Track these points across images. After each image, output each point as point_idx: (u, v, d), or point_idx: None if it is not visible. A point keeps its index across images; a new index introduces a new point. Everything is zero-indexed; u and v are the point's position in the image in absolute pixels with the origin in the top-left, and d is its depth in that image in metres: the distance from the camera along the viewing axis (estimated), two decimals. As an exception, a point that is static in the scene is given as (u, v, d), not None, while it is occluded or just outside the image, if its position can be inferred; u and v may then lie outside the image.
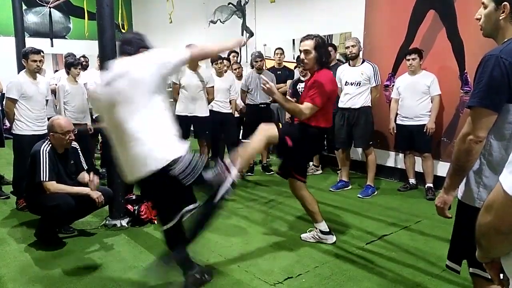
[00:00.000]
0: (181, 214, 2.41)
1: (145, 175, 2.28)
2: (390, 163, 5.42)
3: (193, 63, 4.53)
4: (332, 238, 3.39)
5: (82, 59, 6.53)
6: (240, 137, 6.07)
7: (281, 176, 3.57)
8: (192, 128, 5.35)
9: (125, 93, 2.26)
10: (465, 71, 4.60)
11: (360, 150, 5.42)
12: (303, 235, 3.49)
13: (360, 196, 4.68)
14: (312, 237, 3.43)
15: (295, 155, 3.21)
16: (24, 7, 7.87)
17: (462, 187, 1.78)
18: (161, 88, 2.35)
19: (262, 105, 5.76)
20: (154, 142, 2.27)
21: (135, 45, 2.45)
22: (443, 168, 4.76)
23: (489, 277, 1.71)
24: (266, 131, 3.13)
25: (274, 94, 3.13)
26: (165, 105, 2.37)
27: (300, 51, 3.25)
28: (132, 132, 2.26)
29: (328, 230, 3.40)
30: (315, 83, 3.14)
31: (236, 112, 5.86)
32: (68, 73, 5.21)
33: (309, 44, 3.16)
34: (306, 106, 3.11)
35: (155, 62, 2.31)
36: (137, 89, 2.26)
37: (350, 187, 5.01)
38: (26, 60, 4.24)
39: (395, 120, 4.80)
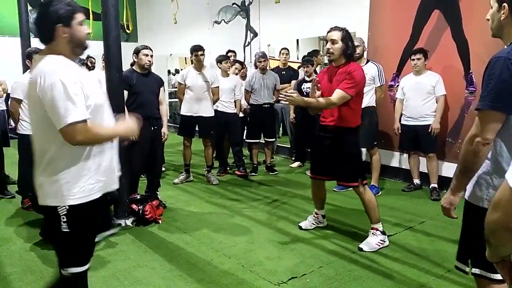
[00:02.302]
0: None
1: None
2: (394, 163, 5.40)
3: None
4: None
5: (88, 60, 6.57)
6: (244, 137, 6.08)
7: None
8: (196, 128, 5.37)
9: None
10: (470, 71, 4.58)
11: (364, 150, 5.40)
12: (302, 223, 3.72)
13: (364, 196, 4.66)
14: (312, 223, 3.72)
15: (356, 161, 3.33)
16: (29, 7, 7.91)
17: (470, 187, 1.77)
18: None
19: (266, 105, 5.76)
20: None
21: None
22: (447, 169, 4.74)
23: (492, 278, 1.71)
24: None
25: (298, 102, 3.18)
26: None
27: (326, 41, 3.22)
28: None
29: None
30: (348, 74, 3.12)
31: (240, 112, 5.87)
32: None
33: (336, 35, 3.14)
34: (338, 96, 3.09)
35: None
36: None
37: (354, 187, 5.00)
38: (30, 60, 4.27)
39: (400, 120, 4.79)
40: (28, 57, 4.29)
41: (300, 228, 3.68)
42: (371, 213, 3.30)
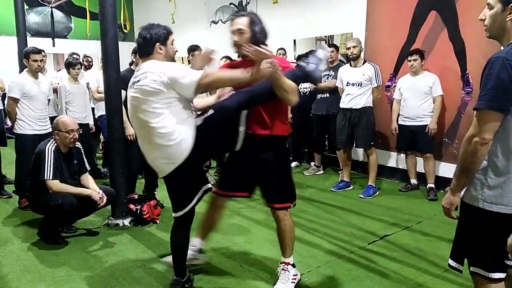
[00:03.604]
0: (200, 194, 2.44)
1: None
2: (391, 163, 5.42)
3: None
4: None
5: (85, 59, 6.55)
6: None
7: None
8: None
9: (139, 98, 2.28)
10: (467, 72, 4.61)
11: (361, 150, 5.43)
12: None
13: (361, 196, 4.69)
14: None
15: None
16: (26, 6, 7.89)
17: (465, 187, 1.79)
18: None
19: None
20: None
21: (151, 42, 2.38)
22: (444, 169, 4.77)
23: (490, 276, 1.73)
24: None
25: (262, 56, 2.21)
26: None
27: (233, 32, 2.51)
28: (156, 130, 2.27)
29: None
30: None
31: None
32: (69, 73, 5.23)
33: (242, 22, 2.47)
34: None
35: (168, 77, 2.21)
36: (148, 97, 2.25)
37: (351, 187, 5.02)
38: (27, 60, 4.25)
39: (397, 121, 4.81)
40: (26, 57, 4.27)
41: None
42: (289, 243, 2.69)
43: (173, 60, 2.44)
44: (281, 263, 2.72)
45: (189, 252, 2.76)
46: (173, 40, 2.45)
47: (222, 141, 2.43)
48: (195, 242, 2.85)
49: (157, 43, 2.36)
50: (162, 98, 2.23)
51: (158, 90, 2.21)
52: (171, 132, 2.25)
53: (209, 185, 2.54)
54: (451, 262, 1.88)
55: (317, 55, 2.42)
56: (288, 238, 2.68)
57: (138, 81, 2.28)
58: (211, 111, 2.35)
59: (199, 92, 2.30)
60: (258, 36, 2.46)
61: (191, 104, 2.39)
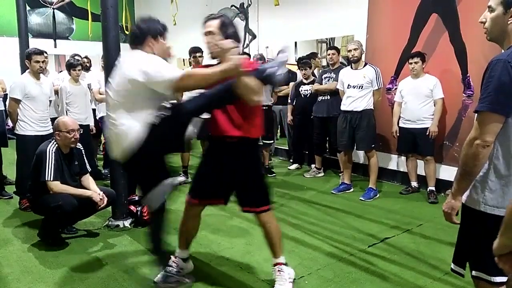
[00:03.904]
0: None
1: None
2: (392, 166, 5.42)
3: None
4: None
5: (85, 60, 6.53)
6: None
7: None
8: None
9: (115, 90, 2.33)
10: (468, 74, 4.61)
11: (362, 152, 5.43)
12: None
13: (362, 198, 4.69)
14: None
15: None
16: (27, 8, 7.91)
17: (467, 190, 1.78)
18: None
19: (264, 107, 5.73)
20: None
21: (142, 34, 2.39)
22: (445, 172, 4.76)
23: (492, 280, 1.72)
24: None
25: (223, 51, 2.21)
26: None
27: (204, 34, 2.51)
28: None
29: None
30: None
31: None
32: (69, 74, 5.24)
33: (213, 25, 2.47)
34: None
35: (142, 70, 2.22)
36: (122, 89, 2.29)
37: (352, 189, 5.02)
38: (29, 61, 4.26)
39: (398, 123, 4.82)
40: (28, 58, 4.28)
41: (155, 283, 2.72)
42: (278, 243, 2.68)
43: (164, 59, 2.39)
44: (274, 265, 2.70)
45: (176, 263, 2.77)
46: (167, 39, 2.46)
47: (168, 141, 2.38)
48: (180, 253, 2.82)
49: (149, 36, 2.38)
50: (130, 87, 2.24)
51: (130, 78, 2.23)
52: (121, 121, 2.27)
53: (178, 180, 2.50)
54: (453, 266, 1.88)
55: (278, 58, 2.37)
56: (276, 238, 2.67)
57: (118, 67, 2.35)
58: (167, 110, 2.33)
59: (176, 91, 2.31)
60: (229, 39, 2.41)
61: (163, 100, 2.34)
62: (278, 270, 2.68)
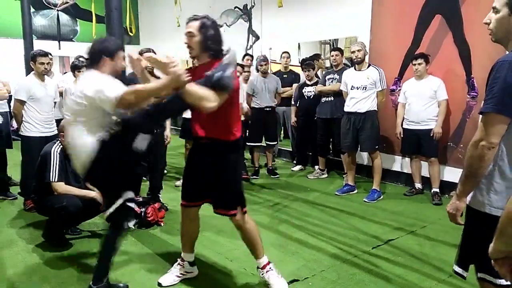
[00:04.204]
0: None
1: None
2: (396, 167, 5.41)
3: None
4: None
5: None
6: (246, 140, 6.08)
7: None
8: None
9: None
10: (472, 76, 4.60)
11: (366, 154, 5.42)
12: (164, 279, 2.81)
13: (366, 200, 4.68)
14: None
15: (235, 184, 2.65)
16: (32, 9, 7.95)
17: (471, 192, 1.77)
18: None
19: (268, 109, 5.77)
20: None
21: (97, 54, 2.52)
22: (449, 173, 4.75)
23: (497, 283, 1.72)
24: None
25: (159, 65, 2.31)
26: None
27: (185, 34, 2.53)
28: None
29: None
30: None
31: (241, 115, 5.87)
32: (74, 76, 5.25)
33: (193, 26, 2.48)
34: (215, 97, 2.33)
35: (94, 90, 2.35)
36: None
37: (356, 191, 5.01)
38: (34, 62, 4.29)
39: (402, 125, 4.81)
40: (32, 59, 4.30)
41: (160, 285, 2.78)
42: (258, 243, 2.71)
43: (119, 74, 2.56)
44: (261, 268, 2.71)
45: (181, 267, 2.82)
46: (124, 56, 2.59)
47: (118, 157, 2.44)
48: (185, 257, 2.84)
49: (104, 56, 2.50)
50: (83, 106, 2.39)
51: (82, 97, 2.39)
52: (77, 138, 2.44)
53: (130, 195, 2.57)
54: (456, 268, 1.87)
55: (223, 61, 2.37)
56: (254, 240, 2.70)
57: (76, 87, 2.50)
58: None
59: (123, 108, 2.37)
60: (209, 41, 2.46)
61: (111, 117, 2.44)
62: (267, 271, 2.70)
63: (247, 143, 6.03)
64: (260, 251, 2.72)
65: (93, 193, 3.39)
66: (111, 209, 2.50)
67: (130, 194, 2.55)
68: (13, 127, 5.54)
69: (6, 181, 4.85)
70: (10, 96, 5.04)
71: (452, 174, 4.67)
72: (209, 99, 2.30)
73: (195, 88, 2.29)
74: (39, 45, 5.80)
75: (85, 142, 2.39)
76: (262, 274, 2.72)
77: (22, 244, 3.47)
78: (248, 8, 7.82)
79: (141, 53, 4.16)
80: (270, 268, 2.72)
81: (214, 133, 2.51)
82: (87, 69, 2.59)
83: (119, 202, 2.50)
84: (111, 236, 2.59)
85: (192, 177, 2.69)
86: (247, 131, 6.06)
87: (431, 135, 4.55)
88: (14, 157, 4.90)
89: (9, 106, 5.44)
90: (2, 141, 4.67)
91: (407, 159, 5.08)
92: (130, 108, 2.38)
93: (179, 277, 2.82)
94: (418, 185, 4.91)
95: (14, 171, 4.97)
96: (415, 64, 4.62)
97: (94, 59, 2.51)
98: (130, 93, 2.29)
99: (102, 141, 2.37)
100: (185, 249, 2.85)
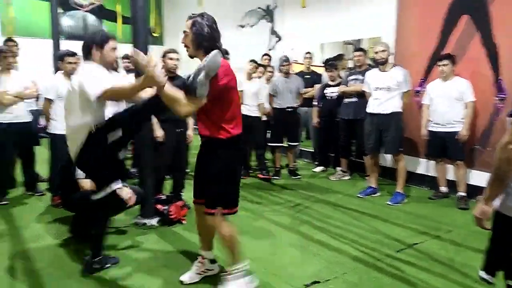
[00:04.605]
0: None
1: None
2: (421, 170, 5.31)
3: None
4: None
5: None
6: (267, 141, 6.09)
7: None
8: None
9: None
10: (500, 77, 4.48)
11: (389, 156, 5.35)
12: (186, 277, 2.81)
13: (389, 203, 4.61)
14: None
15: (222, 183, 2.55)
16: (60, 10, 8.14)
17: (499, 196, 1.73)
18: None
19: (289, 109, 5.77)
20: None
21: (87, 45, 2.71)
22: (476, 177, 4.64)
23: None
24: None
25: (149, 77, 2.31)
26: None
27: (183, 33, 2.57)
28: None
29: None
30: None
31: (263, 115, 5.88)
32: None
33: (186, 25, 2.51)
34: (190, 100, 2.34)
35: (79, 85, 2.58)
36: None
37: (378, 193, 4.95)
38: (62, 62, 4.39)
39: (427, 127, 4.72)
40: (60, 59, 4.41)
41: (181, 283, 2.79)
42: (230, 256, 2.61)
43: (112, 65, 2.84)
44: (227, 272, 2.63)
45: (202, 264, 2.83)
46: (114, 47, 2.75)
47: (100, 149, 2.68)
48: (205, 254, 2.85)
49: (94, 46, 2.68)
50: (74, 96, 2.62)
51: (72, 89, 2.64)
52: (70, 126, 2.72)
53: (118, 186, 2.81)
54: (482, 274, 1.84)
55: (199, 64, 2.34)
56: (229, 248, 2.58)
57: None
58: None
59: (101, 103, 2.63)
60: (201, 39, 2.45)
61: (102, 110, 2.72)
62: (229, 276, 2.58)
63: (269, 144, 6.04)
64: (233, 260, 2.60)
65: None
66: (100, 195, 2.78)
67: (118, 184, 2.81)
68: (40, 124, 5.70)
69: (34, 177, 4.99)
70: (38, 95, 5.19)
71: (479, 177, 4.56)
72: (181, 103, 2.34)
73: (170, 91, 2.37)
74: (66, 45, 5.93)
75: (77, 130, 2.64)
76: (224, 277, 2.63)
77: (49, 239, 3.56)
78: (271, 9, 7.82)
79: (165, 54, 4.24)
80: (235, 276, 2.57)
81: (207, 131, 2.52)
82: (84, 62, 2.77)
83: (108, 190, 2.77)
84: (97, 220, 2.88)
85: (196, 173, 2.73)
86: (269, 131, 6.08)
87: (457, 137, 4.46)
88: (41, 154, 5.03)
89: (37, 105, 5.61)
90: (30, 138, 4.80)
91: (432, 162, 4.98)
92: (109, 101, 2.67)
93: (200, 274, 2.83)
94: (443, 189, 4.81)
95: (41, 168, 5.11)
96: (440, 65, 4.53)
97: (85, 52, 2.70)
98: (109, 92, 2.51)
99: (90, 132, 2.61)
100: (203, 247, 2.86)
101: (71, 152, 2.75)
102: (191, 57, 2.55)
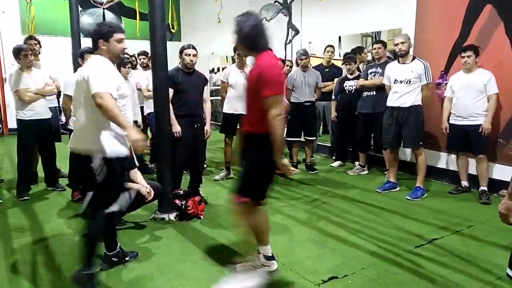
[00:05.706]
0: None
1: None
2: (441, 164, 5.21)
3: None
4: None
5: (133, 58, 6.71)
6: (284, 135, 6.06)
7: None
8: (238, 126, 5.41)
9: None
10: (525, 68, 4.34)
11: (408, 150, 5.26)
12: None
13: (408, 198, 4.54)
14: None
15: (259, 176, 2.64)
16: (79, 8, 8.26)
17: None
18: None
19: (307, 103, 5.72)
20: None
21: (94, 38, 2.69)
22: (499, 171, 4.52)
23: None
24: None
25: None
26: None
27: None
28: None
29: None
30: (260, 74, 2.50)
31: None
32: (120, 72, 5.41)
33: (235, 26, 2.66)
34: (273, 101, 2.45)
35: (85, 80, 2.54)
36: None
37: (398, 188, 4.87)
38: (82, 59, 4.45)
39: (448, 120, 4.62)
40: (81, 56, 4.47)
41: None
42: (259, 237, 2.78)
43: (120, 58, 2.81)
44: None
45: (256, 260, 2.83)
46: (120, 39, 2.69)
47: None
48: (261, 250, 2.84)
49: (100, 39, 2.65)
50: (83, 89, 2.57)
51: (81, 81, 2.59)
52: (79, 119, 2.65)
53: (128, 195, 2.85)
54: (509, 271, 1.78)
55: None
56: (255, 233, 2.75)
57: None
58: None
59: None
60: (241, 40, 2.63)
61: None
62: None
63: (286, 138, 6.01)
64: (258, 242, 2.79)
65: (137, 186, 3.49)
66: (113, 208, 2.74)
67: (126, 195, 2.83)
68: (61, 121, 5.81)
69: (55, 173, 5.10)
70: (59, 92, 5.28)
71: (502, 172, 4.44)
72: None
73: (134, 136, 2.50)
74: (86, 42, 6.02)
75: (85, 124, 2.61)
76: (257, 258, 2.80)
77: (70, 234, 3.63)
78: (288, 2, 7.76)
79: (182, 50, 4.26)
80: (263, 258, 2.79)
81: (253, 127, 2.62)
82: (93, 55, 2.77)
83: (123, 203, 2.78)
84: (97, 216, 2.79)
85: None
86: (286, 126, 6.05)
87: (480, 131, 4.35)
88: (62, 150, 5.13)
89: (58, 102, 5.71)
90: (52, 135, 4.90)
91: (453, 156, 4.88)
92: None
93: (254, 268, 2.80)
94: (464, 183, 4.71)
95: (62, 164, 5.21)
96: (464, 57, 4.41)
97: (93, 44, 2.71)
98: (99, 96, 2.44)
99: (98, 129, 2.59)
100: (261, 242, 2.85)
101: (79, 143, 2.66)
102: (244, 56, 2.66)
